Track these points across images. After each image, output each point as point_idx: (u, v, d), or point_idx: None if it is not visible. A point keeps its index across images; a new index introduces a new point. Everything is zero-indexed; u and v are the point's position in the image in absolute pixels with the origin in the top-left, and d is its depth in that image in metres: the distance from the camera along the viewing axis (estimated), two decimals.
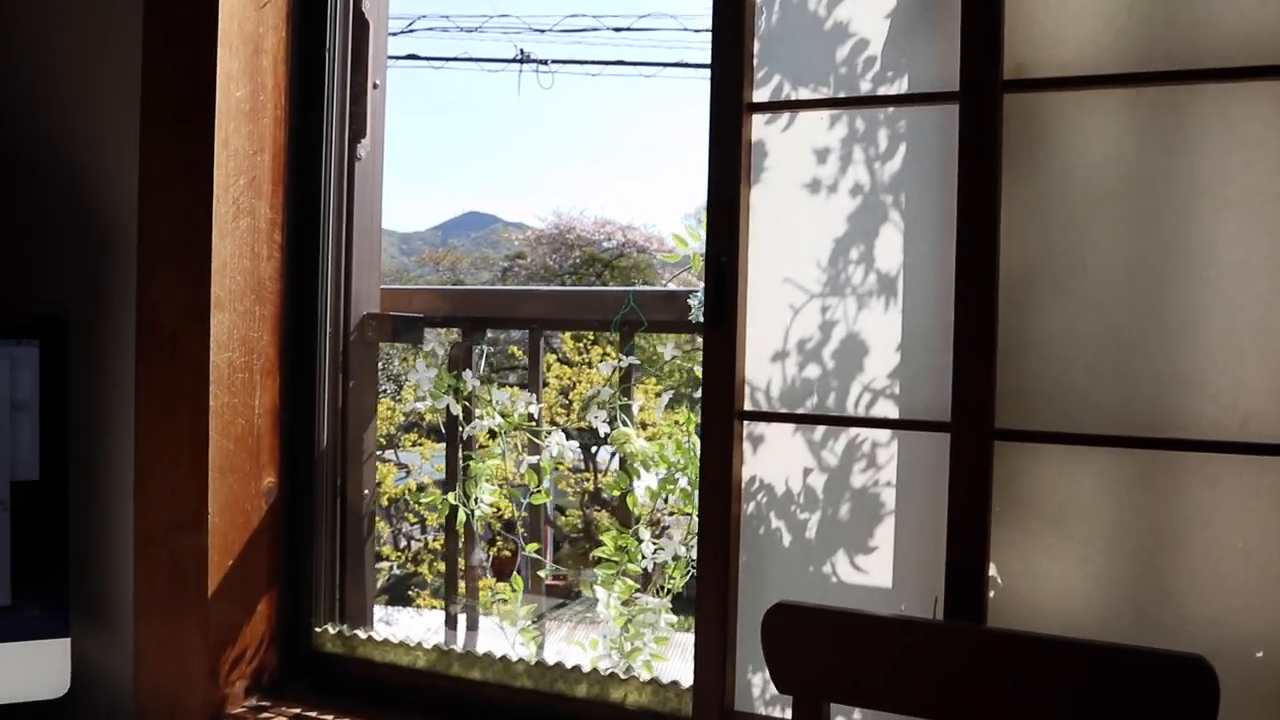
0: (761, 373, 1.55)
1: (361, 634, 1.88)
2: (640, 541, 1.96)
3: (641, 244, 12.49)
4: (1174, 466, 1.31)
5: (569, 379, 7.99)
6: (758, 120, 1.54)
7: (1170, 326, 1.31)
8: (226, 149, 1.73)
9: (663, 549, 1.95)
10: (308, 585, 1.91)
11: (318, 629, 1.90)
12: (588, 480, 8.64)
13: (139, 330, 1.76)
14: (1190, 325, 1.30)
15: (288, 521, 1.89)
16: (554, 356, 8.85)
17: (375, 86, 1.97)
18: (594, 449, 8.31)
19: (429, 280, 14.39)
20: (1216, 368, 1.29)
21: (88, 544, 1.84)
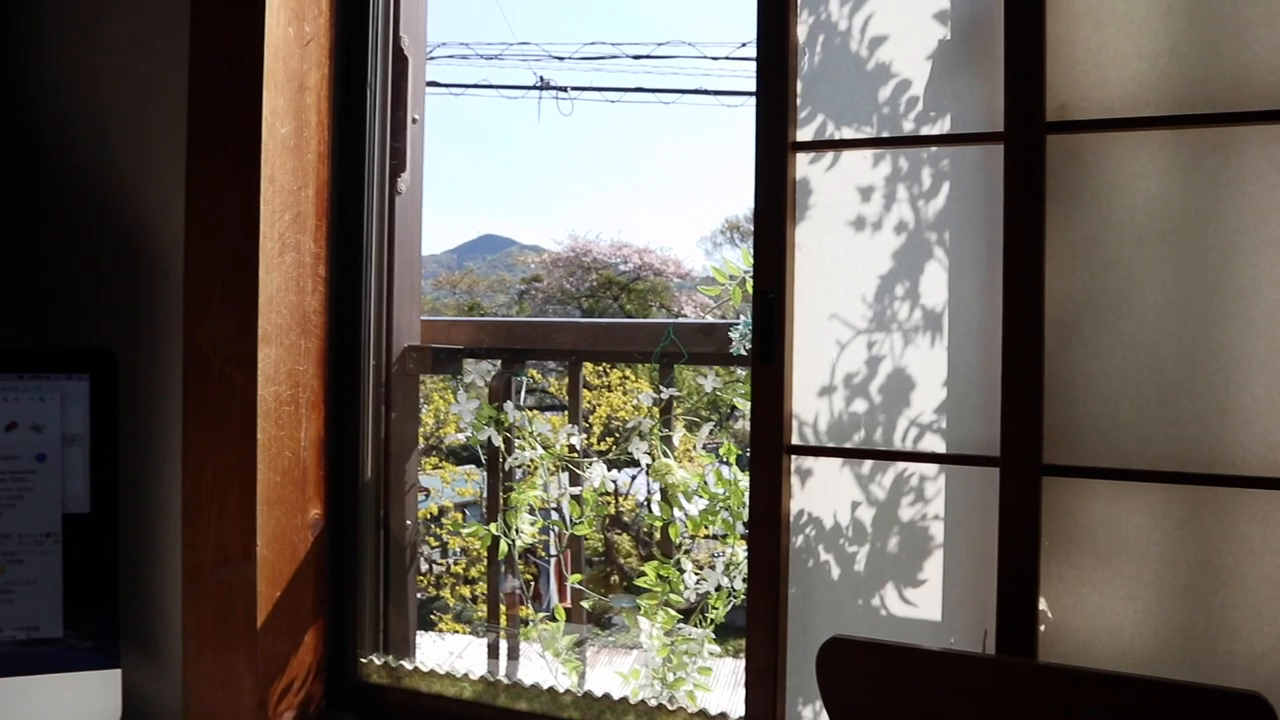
0: (809, 407, 1.56)
1: (407, 664, 1.89)
2: (682, 572, 1.97)
3: (658, 267, 12.53)
4: (1222, 503, 1.32)
5: (590, 402, 8.02)
6: (802, 159, 1.56)
7: (1216, 364, 1.32)
8: (272, 185, 1.76)
9: (705, 579, 1.96)
10: (353, 616, 1.93)
11: (363, 659, 1.92)
12: (609, 503, 8.65)
13: (187, 364, 1.78)
14: (1236, 363, 1.32)
15: (333, 553, 1.91)
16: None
17: (414, 121, 2.00)
18: (618, 473, 8.30)
19: (446, 303, 14.46)
20: (1262, 405, 1.30)
21: (137, 576, 1.86)
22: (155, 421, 1.85)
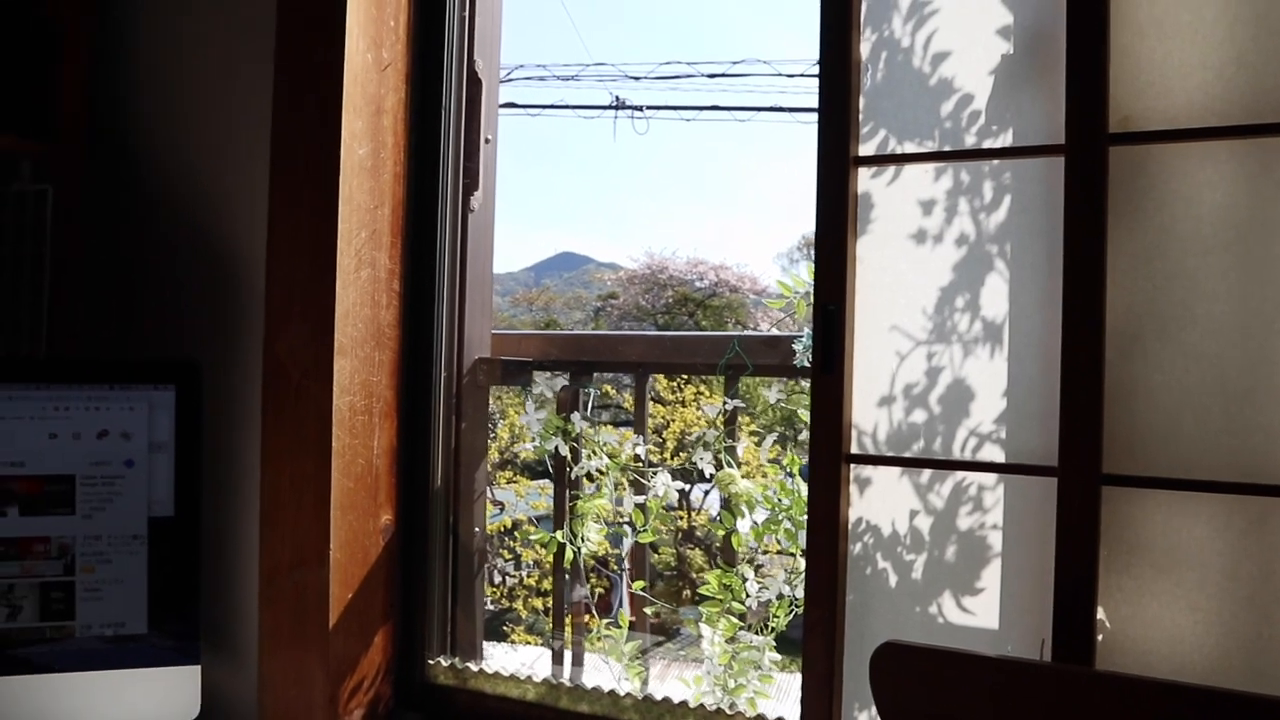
0: (868, 417, 1.58)
1: (473, 666, 1.94)
2: (745, 580, 1.99)
3: (734, 284, 12.54)
4: None
5: (663, 417, 8.06)
6: (863, 173, 1.58)
7: None
8: (349, 204, 1.82)
9: (767, 588, 1.98)
10: (422, 619, 1.98)
11: (431, 661, 1.97)
12: (681, 518, 8.66)
13: (266, 375, 1.85)
14: None
15: (403, 557, 1.97)
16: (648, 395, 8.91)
17: (487, 141, 2.06)
18: (688, 488, 8.35)
19: (522, 319, 14.62)
20: None
21: (217, 577, 1.93)
22: (236, 430, 1.92)
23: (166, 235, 2.02)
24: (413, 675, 1.97)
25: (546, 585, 8.14)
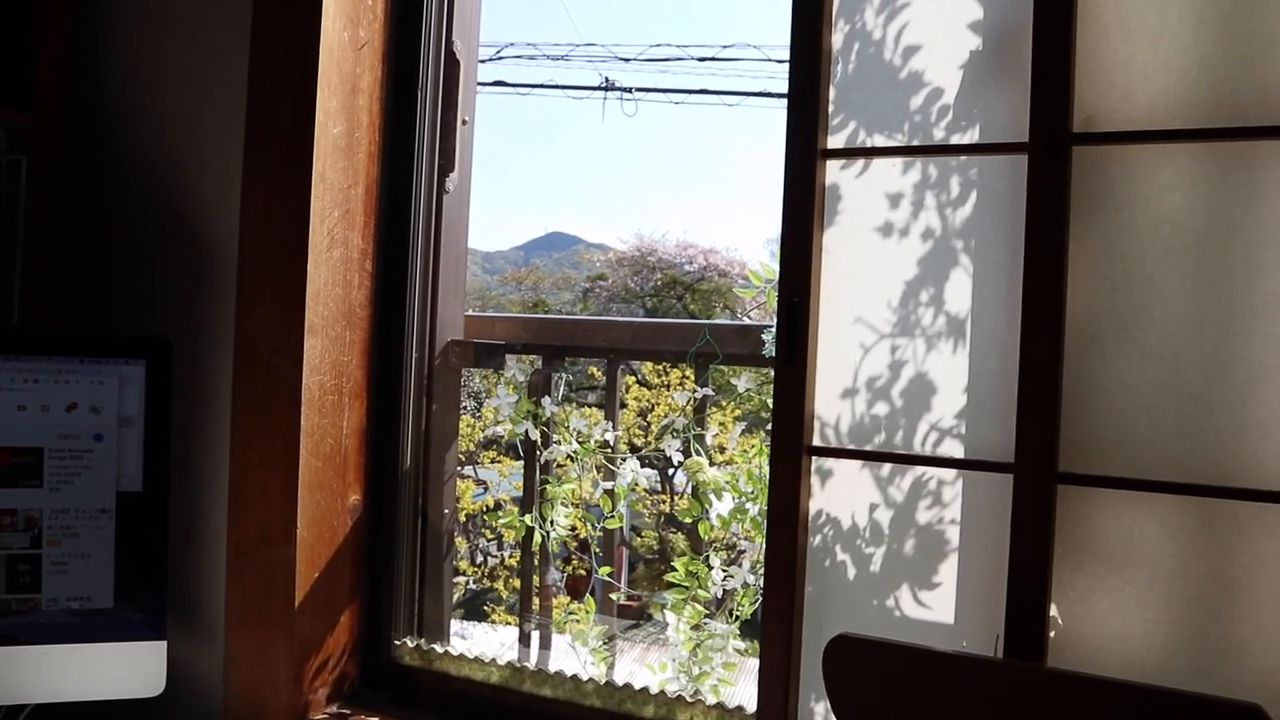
0: (831, 409, 1.59)
1: (439, 648, 1.95)
2: (711, 568, 2.01)
3: (723, 268, 12.54)
4: (1236, 516, 1.33)
5: (648, 401, 8.06)
6: (832, 165, 1.58)
7: (1235, 379, 1.33)
8: (323, 183, 1.82)
9: (732, 576, 1.99)
10: (388, 599, 1.99)
11: (397, 642, 1.98)
12: (664, 503, 8.69)
13: (237, 353, 1.85)
14: (1255, 378, 1.32)
15: (371, 538, 1.98)
16: (633, 379, 8.94)
17: (464, 123, 2.06)
18: (671, 472, 8.37)
19: (511, 299, 14.61)
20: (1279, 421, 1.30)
21: (185, 553, 1.94)
22: (206, 406, 1.92)
23: (141, 209, 2.02)
24: (378, 655, 1.99)
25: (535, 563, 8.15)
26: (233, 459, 1.86)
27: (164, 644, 1.77)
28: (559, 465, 2.19)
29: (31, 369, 1.74)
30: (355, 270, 1.91)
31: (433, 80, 2.00)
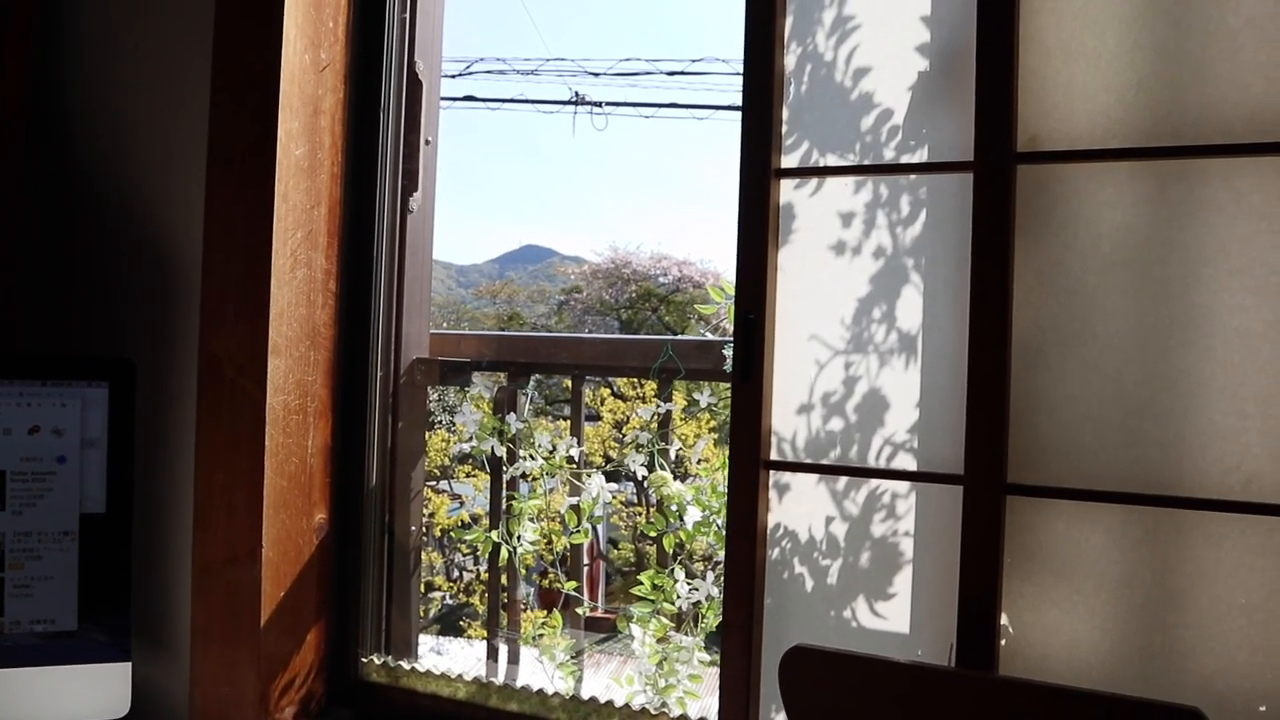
0: (788, 424, 1.62)
1: (405, 665, 1.96)
2: (675, 581, 2.03)
3: (697, 279, 12.59)
4: (1179, 524, 1.36)
5: (623, 413, 8.08)
6: (786, 184, 1.61)
7: (1177, 391, 1.36)
8: (285, 204, 1.84)
9: (697, 589, 2.02)
10: (355, 617, 2.00)
11: (364, 659, 1.99)
12: (640, 515, 8.71)
13: (201, 374, 1.86)
14: (1195, 390, 1.35)
15: (337, 556, 1.99)
16: (608, 391, 8.96)
17: (427, 143, 2.08)
18: (645, 484, 8.37)
19: (485, 312, 14.61)
20: (1220, 431, 1.34)
21: (150, 574, 1.94)
22: (171, 427, 1.93)
23: (105, 232, 2.02)
24: (345, 673, 2.00)
25: (503, 580, 8.16)
26: (198, 479, 1.87)
27: (129, 665, 1.78)
28: (534, 479, 2.21)
29: None
30: (319, 290, 1.92)
31: (395, 101, 2.02)
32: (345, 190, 1.97)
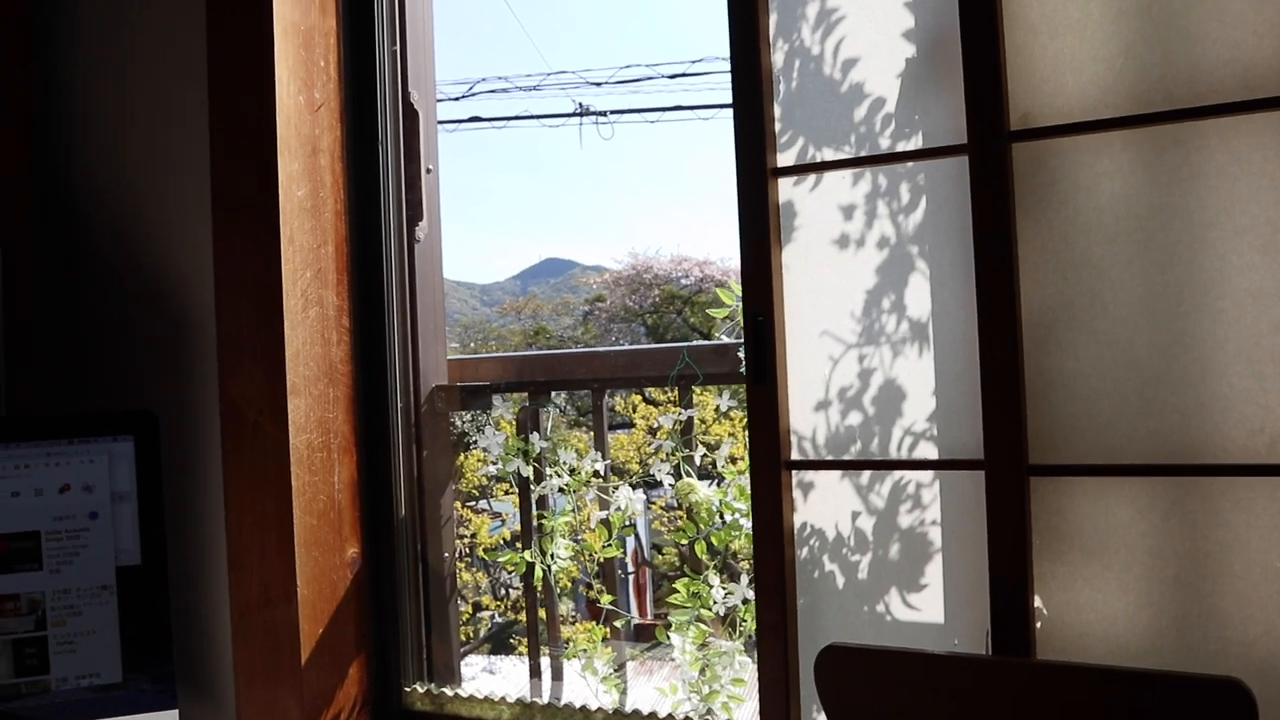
0: (806, 422, 1.61)
1: (449, 691, 1.97)
2: (710, 587, 2.02)
3: (719, 278, 12.56)
4: (1206, 492, 1.34)
5: (655, 419, 8.08)
6: (785, 182, 1.61)
7: (1191, 357, 1.35)
8: (292, 245, 1.85)
9: (732, 593, 2.01)
10: (395, 647, 2.01)
11: (407, 688, 2.00)
12: (681, 519, 8.69)
13: (223, 420, 1.88)
14: (1210, 354, 1.34)
15: (373, 588, 2.00)
16: (639, 398, 8.96)
17: (428, 171, 2.09)
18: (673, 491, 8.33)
19: (511, 328, 14.65)
20: (1239, 394, 1.32)
21: (191, 619, 1.96)
22: (198, 474, 1.95)
23: (118, 288, 2.05)
24: (389, 704, 2.01)
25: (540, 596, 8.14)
26: (228, 523, 1.89)
27: (176, 712, 1.79)
28: (572, 491, 2.21)
29: (22, 455, 1.77)
30: (332, 327, 1.94)
31: (392, 133, 2.04)
32: (350, 226, 1.99)
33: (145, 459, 1.83)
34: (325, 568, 1.90)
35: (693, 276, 12.76)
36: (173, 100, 1.98)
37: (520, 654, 7.75)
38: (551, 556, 2.17)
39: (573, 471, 2.14)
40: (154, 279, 2.01)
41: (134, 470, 1.82)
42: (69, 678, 1.77)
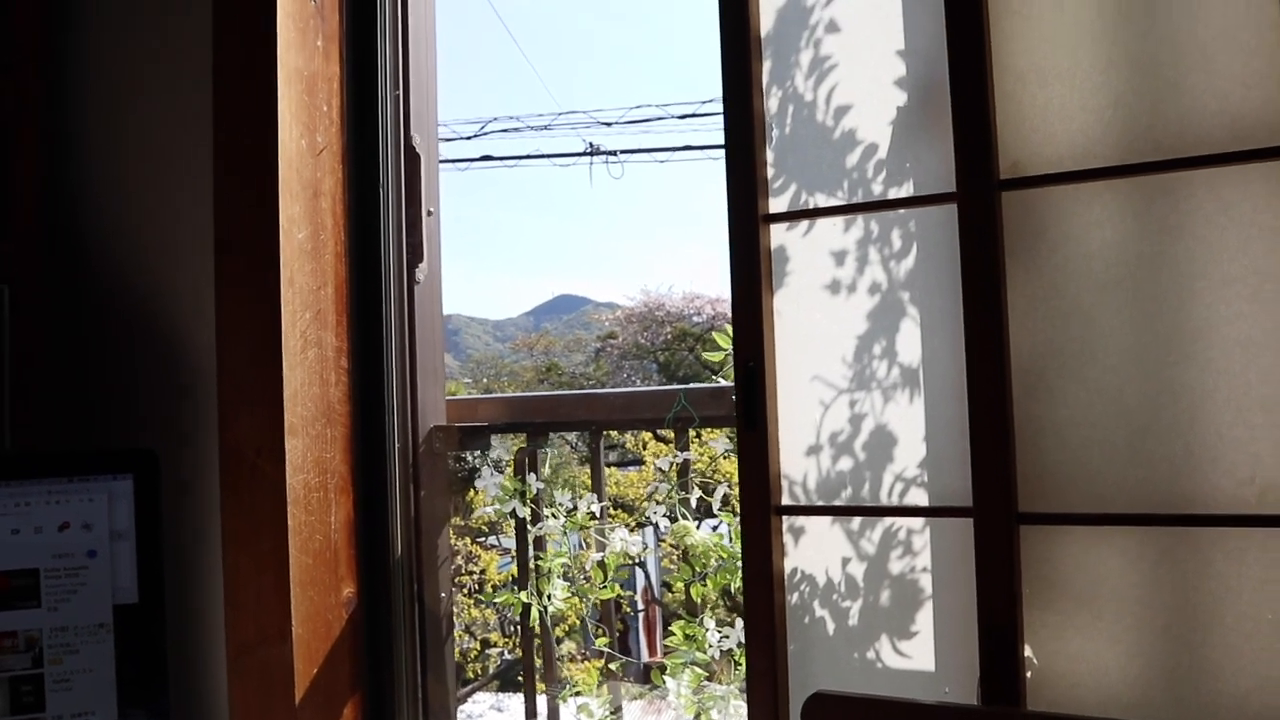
0: (797, 467, 1.61)
1: None
2: (706, 630, 2.02)
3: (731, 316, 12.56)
4: (1197, 542, 1.34)
5: (665, 454, 8.07)
6: (777, 228, 1.62)
7: (1180, 406, 1.35)
8: (292, 287, 1.87)
9: (728, 636, 2.01)
10: (390, 687, 2.01)
11: None
12: (678, 561, 8.63)
13: (222, 459, 1.89)
14: (1199, 403, 1.34)
15: (369, 628, 2.00)
16: (650, 435, 8.94)
17: (429, 214, 2.11)
18: (698, 524, 8.31)
19: (524, 364, 14.69)
20: (1229, 444, 1.32)
21: (187, 659, 1.96)
22: (197, 514, 1.96)
23: (121, 327, 2.06)
24: None
25: (559, 633, 8.12)
26: (225, 562, 1.89)
27: None
28: (580, 529, 2.21)
29: (22, 493, 1.78)
30: (331, 368, 1.95)
31: (394, 176, 2.06)
32: (350, 268, 2.01)
33: (144, 497, 1.83)
34: (320, 607, 1.90)
35: (705, 314, 12.78)
36: (178, 142, 2.00)
37: (539, 693, 7.70)
38: (548, 597, 2.17)
39: (569, 513, 2.14)
40: (156, 318, 2.03)
41: (133, 509, 1.83)
42: (65, 716, 1.77)
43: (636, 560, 2.20)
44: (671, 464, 2.07)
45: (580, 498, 2.15)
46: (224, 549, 1.89)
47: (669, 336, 12.85)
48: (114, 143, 2.10)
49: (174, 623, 1.91)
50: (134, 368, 2.05)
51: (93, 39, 2.10)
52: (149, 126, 2.06)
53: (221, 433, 1.90)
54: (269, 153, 1.87)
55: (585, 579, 2.23)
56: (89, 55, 2.11)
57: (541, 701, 2.33)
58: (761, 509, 1.57)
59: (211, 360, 1.91)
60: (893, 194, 1.56)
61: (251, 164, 1.89)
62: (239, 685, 1.88)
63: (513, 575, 7.58)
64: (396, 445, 2.03)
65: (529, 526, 2.18)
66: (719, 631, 2.00)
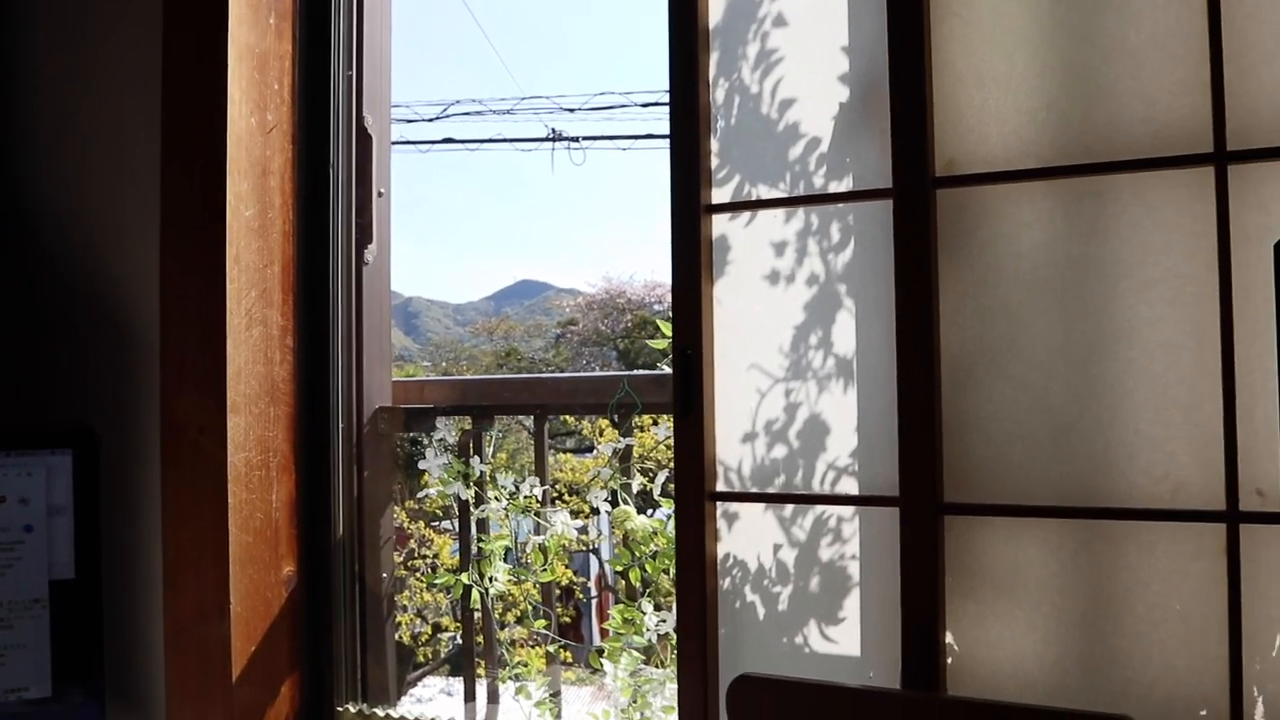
0: (733, 453, 1.64)
1: (380, 712, 1.98)
2: (644, 614, 2.04)
3: None
4: (1112, 535, 1.38)
5: (604, 444, 8.08)
6: (719, 218, 1.64)
7: (1103, 404, 1.38)
8: (238, 265, 1.87)
9: (665, 620, 2.03)
10: (329, 667, 2.02)
11: (340, 708, 2.01)
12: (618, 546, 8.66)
13: (163, 436, 1.89)
14: (1119, 402, 1.38)
15: (308, 607, 2.01)
16: (606, 422, 8.95)
17: (380, 195, 2.11)
18: (649, 511, 8.36)
19: (483, 349, 14.65)
20: (1145, 441, 1.36)
21: (124, 635, 1.96)
22: (136, 490, 1.96)
23: (65, 302, 2.05)
24: None
25: (509, 618, 8.12)
26: (165, 540, 1.89)
27: None
28: (533, 512, 2.22)
29: None
30: (276, 347, 1.95)
31: (345, 157, 2.06)
32: (298, 247, 2.01)
33: (83, 474, 1.83)
34: (260, 585, 1.91)
35: (665, 303, 12.80)
36: (126, 118, 1.99)
37: (480, 676, 7.72)
38: (490, 580, 2.18)
39: (511, 496, 2.16)
40: (101, 295, 2.02)
41: (72, 484, 1.82)
42: None
43: (590, 547, 2.22)
44: (614, 449, 2.09)
45: (524, 481, 2.17)
46: (164, 525, 1.89)
47: (629, 324, 12.86)
48: (63, 116, 2.08)
49: (112, 599, 1.91)
50: (77, 343, 2.04)
51: (44, 23, 2.08)
52: (99, 100, 2.05)
53: (163, 409, 1.89)
54: (218, 129, 1.86)
55: (524, 563, 2.25)
56: (37, 27, 2.09)
57: (483, 686, 2.35)
58: (696, 495, 1.60)
59: (155, 336, 1.91)
60: (833, 188, 1.59)
61: (199, 140, 1.88)
62: (176, 661, 1.89)
63: (436, 569, 7.57)
64: (341, 425, 2.04)
65: (471, 509, 2.19)
66: (656, 616, 2.03)
